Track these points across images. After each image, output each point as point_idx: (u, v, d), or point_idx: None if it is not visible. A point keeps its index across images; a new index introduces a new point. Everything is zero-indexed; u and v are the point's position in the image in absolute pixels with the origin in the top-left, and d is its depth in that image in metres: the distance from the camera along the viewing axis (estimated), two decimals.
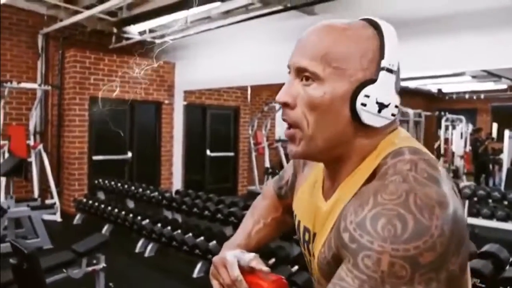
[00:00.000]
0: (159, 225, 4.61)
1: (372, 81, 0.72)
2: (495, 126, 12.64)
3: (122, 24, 6.53)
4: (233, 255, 0.89)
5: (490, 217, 5.69)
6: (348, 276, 0.61)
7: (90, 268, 3.21)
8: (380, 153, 0.73)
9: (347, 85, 0.72)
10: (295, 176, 1.01)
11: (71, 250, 3.17)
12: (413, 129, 10.11)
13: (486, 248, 2.73)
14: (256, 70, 5.90)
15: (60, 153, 6.98)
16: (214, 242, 4.00)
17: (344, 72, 0.72)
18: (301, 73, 0.74)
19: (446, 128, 10.77)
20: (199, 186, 7.83)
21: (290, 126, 0.76)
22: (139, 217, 4.90)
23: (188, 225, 4.50)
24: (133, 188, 5.92)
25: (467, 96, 13.04)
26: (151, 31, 6.89)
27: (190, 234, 4.24)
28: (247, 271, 0.87)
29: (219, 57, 6.70)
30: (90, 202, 5.83)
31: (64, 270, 3.10)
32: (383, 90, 0.72)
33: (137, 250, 4.84)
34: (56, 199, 6.39)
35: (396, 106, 0.74)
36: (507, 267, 2.63)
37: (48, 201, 6.24)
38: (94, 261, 3.24)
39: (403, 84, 10.07)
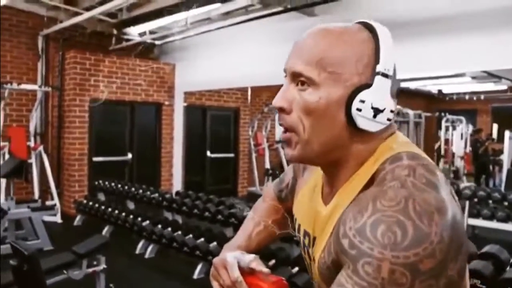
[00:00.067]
0: (159, 226, 4.61)
1: (368, 85, 0.72)
2: (495, 127, 12.66)
3: (122, 26, 6.54)
4: (233, 256, 0.89)
5: (490, 218, 5.68)
6: (348, 282, 0.61)
7: (90, 270, 3.21)
8: (378, 159, 0.73)
9: (342, 90, 0.72)
10: (295, 180, 1.01)
11: (72, 251, 3.17)
12: (413, 130, 10.11)
13: (486, 249, 2.73)
14: (256, 71, 5.90)
15: (61, 154, 6.98)
16: (215, 243, 4.00)
17: (340, 77, 0.72)
18: (297, 78, 0.75)
19: (447, 129, 10.78)
20: (199, 187, 7.83)
21: (286, 130, 0.77)
22: (139, 218, 4.89)
23: (189, 226, 4.50)
24: (133, 189, 5.92)
25: (467, 97, 13.05)
26: (151, 32, 6.90)
27: (191, 236, 4.24)
28: (247, 272, 0.87)
29: (219, 58, 6.71)
30: (91, 203, 5.83)
31: (65, 272, 3.10)
32: (378, 95, 0.72)
33: (137, 252, 4.84)
34: (56, 201, 6.39)
35: (392, 111, 0.74)
36: (508, 268, 2.63)
37: (48, 203, 6.24)
38: (95, 263, 3.24)
39: (404, 85, 10.06)
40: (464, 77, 9.71)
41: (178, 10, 5.39)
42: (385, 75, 0.73)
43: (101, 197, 6.39)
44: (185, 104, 8.03)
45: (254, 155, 9.34)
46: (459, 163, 10.28)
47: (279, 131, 9.93)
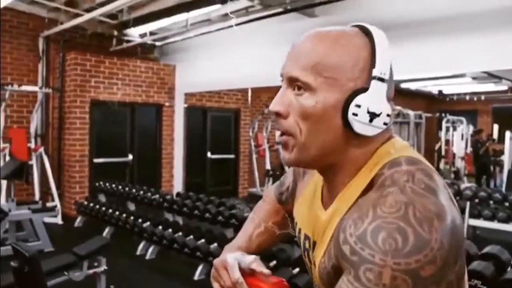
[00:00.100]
0: (160, 227, 4.61)
1: (364, 90, 0.72)
2: (496, 127, 12.66)
3: (123, 27, 6.55)
4: (234, 257, 0.89)
5: (491, 218, 5.68)
6: None
7: (91, 271, 3.21)
8: (376, 163, 0.74)
9: (338, 95, 0.72)
10: (295, 183, 1.02)
11: (72, 253, 3.17)
12: (413, 131, 10.11)
13: (487, 249, 2.72)
14: (257, 72, 5.91)
15: (61, 155, 6.99)
16: (215, 244, 4.00)
17: (336, 81, 0.72)
18: (293, 83, 0.75)
19: (447, 129, 10.79)
20: (200, 188, 7.83)
21: (283, 133, 0.77)
22: (140, 220, 4.89)
23: (189, 228, 4.50)
24: (134, 190, 5.92)
25: (467, 97, 13.03)
26: (151, 33, 6.91)
27: (191, 237, 4.23)
28: (248, 273, 0.87)
29: (220, 59, 6.71)
30: (91, 204, 5.83)
31: (65, 273, 3.10)
32: (375, 99, 0.72)
33: (138, 253, 4.84)
34: (57, 202, 6.39)
35: (388, 115, 0.74)
36: (509, 268, 2.63)
37: (49, 204, 6.26)
38: (95, 264, 3.24)
39: (404, 85, 10.03)
40: (465, 77, 9.71)
41: (178, 11, 5.40)
42: (381, 79, 0.73)
43: (102, 198, 6.39)
44: (186, 105, 8.04)
45: (254, 156, 9.34)
46: (459, 163, 10.28)
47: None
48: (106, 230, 5.46)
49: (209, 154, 8.71)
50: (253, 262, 0.88)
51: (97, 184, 6.49)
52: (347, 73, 0.72)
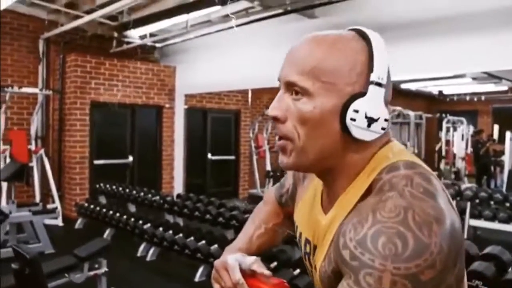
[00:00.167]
0: (160, 229, 4.61)
1: (361, 94, 0.72)
2: (496, 127, 12.65)
3: (123, 29, 6.56)
4: (235, 258, 0.89)
5: (492, 219, 5.68)
6: None
7: (92, 273, 3.20)
8: (374, 168, 0.74)
9: (336, 99, 0.72)
10: (295, 186, 1.02)
11: (73, 254, 3.17)
12: (414, 131, 10.11)
13: (488, 250, 2.72)
14: (257, 74, 5.91)
15: (62, 157, 6.99)
16: (216, 245, 3.99)
17: (333, 86, 0.72)
18: (291, 87, 0.75)
19: (447, 130, 10.78)
20: (200, 189, 7.82)
21: (281, 138, 0.77)
22: (140, 221, 4.89)
23: (190, 229, 4.50)
24: (134, 192, 5.92)
25: (468, 97, 13.03)
26: (151, 35, 6.91)
27: (192, 238, 4.23)
28: (248, 274, 0.87)
29: (220, 61, 6.72)
30: (92, 206, 5.83)
31: (66, 275, 3.10)
32: (372, 104, 0.72)
33: (138, 254, 4.84)
34: (57, 204, 6.39)
35: (386, 120, 0.74)
36: (510, 269, 2.63)
37: (49, 206, 6.25)
38: (96, 266, 3.24)
39: (404, 86, 10.02)
40: (465, 78, 9.71)
41: (178, 12, 5.40)
42: (378, 84, 0.72)
43: (102, 200, 6.39)
44: (186, 107, 8.04)
45: (255, 157, 9.34)
46: (460, 164, 10.27)
47: None
48: (107, 231, 5.46)
49: (209, 156, 8.71)
50: (253, 263, 0.88)
51: (97, 185, 6.49)
52: (345, 78, 0.72)
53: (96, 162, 6.98)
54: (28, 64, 6.98)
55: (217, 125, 8.81)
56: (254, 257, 0.89)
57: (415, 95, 13.13)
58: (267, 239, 1.07)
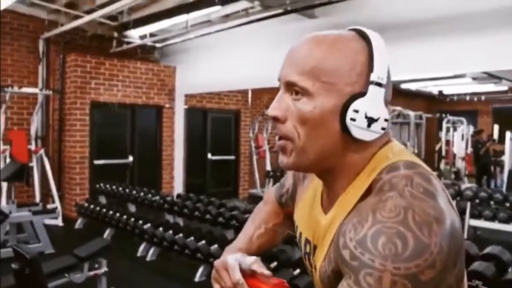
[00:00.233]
0: (160, 229, 4.61)
1: (361, 94, 0.72)
2: (496, 127, 12.65)
3: (123, 29, 6.56)
4: (235, 258, 0.89)
5: (492, 219, 5.68)
6: None
7: (92, 273, 3.20)
8: (374, 168, 0.74)
9: (336, 100, 0.72)
10: (295, 186, 1.02)
11: (73, 254, 3.17)
12: (414, 131, 10.11)
13: (488, 250, 2.72)
14: (257, 74, 5.91)
15: (62, 157, 6.99)
16: (216, 245, 4.00)
17: (333, 86, 0.72)
18: (291, 87, 0.75)
19: (447, 130, 10.78)
20: (200, 189, 7.82)
21: (281, 138, 0.77)
22: (140, 221, 4.89)
23: (190, 229, 4.50)
24: (134, 192, 5.92)
25: (468, 97, 13.03)
26: (151, 35, 6.91)
27: (192, 238, 4.23)
28: (248, 274, 0.87)
29: (220, 61, 6.72)
30: (92, 206, 5.83)
31: (66, 275, 3.10)
32: (372, 104, 0.72)
33: (138, 254, 4.84)
34: (57, 204, 6.39)
35: (386, 120, 0.74)
36: (510, 269, 2.63)
37: (49, 206, 6.25)
38: (96, 266, 3.24)
39: (404, 86, 10.00)
40: (465, 78, 9.71)
41: (178, 12, 5.40)
42: (379, 84, 0.73)
43: (102, 200, 6.39)
44: (186, 107, 8.04)
45: (255, 157, 9.34)
46: (460, 164, 10.27)
47: None
48: (107, 231, 5.46)
49: (209, 155, 8.71)
50: (253, 263, 0.88)
51: (97, 185, 6.49)
52: (345, 78, 0.72)
53: (96, 162, 6.98)
54: (28, 64, 6.98)
55: (217, 125, 8.81)
56: (254, 257, 0.89)
57: (415, 95, 13.13)
58: (267, 239, 1.07)
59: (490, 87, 11.02)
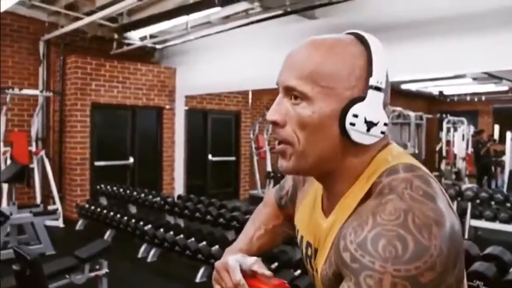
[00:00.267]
0: (161, 230, 4.61)
1: (361, 98, 0.72)
2: (496, 128, 12.64)
3: (123, 30, 6.56)
4: (235, 259, 0.89)
5: (493, 219, 5.67)
6: None
7: (92, 274, 3.21)
8: (374, 172, 0.74)
9: (335, 104, 0.72)
10: (295, 188, 1.02)
11: (74, 256, 3.17)
12: (414, 132, 10.11)
13: (489, 250, 2.72)
14: (257, 75, 5.91)
15: (62, 159, 6.99)
16: (217, 246, 4.00)
17: (332, 90, 0.72)
18: (290, 92, 0.75)
19: (448, 130, 10.77)
20: (201, 190, 7.83)
21: (281, 142, 0.77)
22: (141, 223, 4.89)
23: (191, 230, 4.50)
24: (135, 193, 5.92)
25: (468, 98, 13.03)
26: (151, 36, 6.92)
27: (193, 239, 4.23)
28: (249, 275, 0.87)
29: (220, 62, 6.72)
30: (92, 207, 5.83)
31: (67, 276, 3.10)
32: (372, 108, 0.72)
33: (139, 255, 4.84)
34: (58, 205, 6.39)
35: (385, 124, 0.74)
36: (511, 269, 2.62)
37: (50, 207, 6.26)
38: (97, 267, 3.24)
39: (405, 86, 10.00)
40: (465, 78, 9.71)
41: (178, 14, 5.41)
42: (378, 88, 0.73)
43: (103, 201, 6.40)
44: (186, 108, 8.05)
45: (255, 158, 9.34)
46: (460, 164, 10.26)
47: None
48: (108, 233, 5.46)
49: (210, 157, 8.72)
50: (254, 263, 0.88)
51: (98, 187, 6.49)
52: (344, 82, 0.73)
53: (97, 163, 6.99)
54: (28, 66, 6.99)
55: (218, 126, 8.81)
56: (254, 258, 0.89)
57: (415, 95, 13.13)
58: (267, 240, 1.07)
59: (491, 87, 11.02)
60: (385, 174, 0.72)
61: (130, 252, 4.87)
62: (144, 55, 7.73)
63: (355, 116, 0.72)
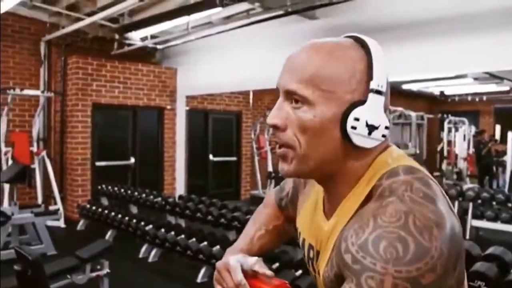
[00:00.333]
0: (162, 230, 4.61)
1: (361, 102, 0.72)
2: (498, 128, 12.61)
3: (124, 30, 6.57)
4: (236, 259, 0.89)
5: (494, 219, 5.67)
6: None
7: (94, 274, 3.21)
8: (374, 174, 0.74)
9: (336, 108, 0.73)
10: (295, 190, 1.02)
11: (75, 256, 3.18)
12: (415, 132, 10.10)
13: (490, 250, 2.71)
14: (258, 75, 5.91)
15: (63, 159, 7.00)
16: (218, 247, 4.00)
17: (333, 94, 0.73)
18: (290, 96, 0.75)
19: (449, 130, 10.76)
20: (202, 191, 7.83)
21: (282, 146, 0.77)
22: (142, 223, 4.90)
23: (192, 230, 4.50)
24: (136, 193, 5.92)
25: (469, 98, 13.02)
26: (152, 37, 6.92)
27: (194, 239, 4.24)
28: (250, 275, 0.87)
29: (221, 62, 6.72)
30: (94, 208, 5.84)
31: (68, 276, 3.11)
32: (373, 112, 0.73)
33: (140, 256, 4.84)
34: (59, 205, 6.40)
35: (386, 127, 0.74)
36: None
37: (51, 207, 6.27)
38: (98, 267, 3.25)
39: (406, 87, 10.00)
40: (466, 78, 9.71)
41: (179, 14, 5.41)
42: (378, 92, 0.73)
43: (104, 201, 6.40)
44: (187, 108, 8.05)
45: (256, 158, 9.34)
46: (462, 164, 10.25)
47: None
48: (109, 233, 5.47)
49: (211, 157, 8.72)
50: (255, 263, 0.88)
51: (99, 187, 6.50)
52: (344, 85, 0.73)
53: (98, 163, 6.99)
54: (29, 67, 7.00)
55: (219, 126, 8.82)
56: (255, 258, 0.89)
57: (416, 95, 13.12)
58: (268, 240, 1.07)
59: (492, 87, 11.01)
60: (386, 177, 0.72)
61: (131, 252, 4.88)
62: (145, 55, 7.74)
63: (357, 119, 0.72)
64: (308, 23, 5.37)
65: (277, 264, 3.42)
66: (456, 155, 10.37)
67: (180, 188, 7.93)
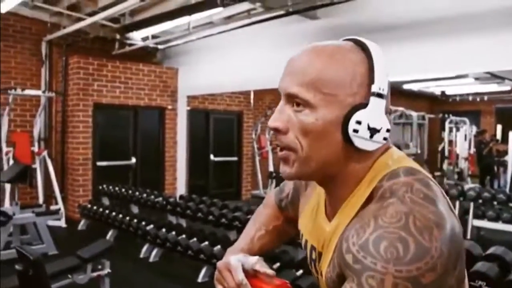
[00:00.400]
0: (163, 230, 4.61)
1: (363, 105, 0.73)
2: (499, 127, 12.59)
3: (125, 30, 6.57)
4: (237, 259, 0.90)
5: (495, 219, 5.67)
6: None
7: (95, 274, 3.22)
8: (375, 176, 0.75)
9: (338, 111, 0.73)
10: (296, 192, 1.02)
11: (76, 256, 3.18)
12: (416, 132, 10.10)
13: (491, 250, 2.71)
14: (259, 75, 5.92)
15: (65, 159, 7.01)
16: (219, 246, 4.00)
17: (335, 98, 0.73)
18: (292, 99, 0.75)
19: (450, 130, 10.75)
20: (203, 191, 7.83)
21: (283, 148, 0.77)
22: (143, 223, 4.90)
23: (193, 230, 4.51)
24: (137, 193, 5.93)
25: (470, 98, 13.02)
26: (153, 37, 6.93)
27: (195, 239, 4.24)
28: (251, 274, 0.87)
29: (222, 62, 6.72)
30: (95, 207, 5.84)
31: (69, 276, 3.11)
32: (374, 115, 0.73)
33: (141, 256, 4.85)
34: (60, 205, 6.41)
35: (388, 130, 0.74)
36: None
37: (52, 207, 6.27)
38: (99, 267, 3.25)
39: (407, 86, 10.00)
40: (467, 78, 9.70)
41: (180, 14, 5.41)
42: (380, 95, 0.73)
43: (105, 201, 6.41)
44: (188, 108, 8.05)
45: (257, 158, 9.34)
46: (463, 164, 10.25)
47: None
48: (110, 233, 5.47)
49: (212, 157, 8.72)
50: (256, 263, 0.88)
51: (100, 187, 6.50)
52: (346, 89, 0.73)
53: (99, 163, 7.00)
54: (31, 67, 7.00)
55: (220, 126, 8.82)
56: (256, 257, 0.90)
57: (417, 95, 13.11)
58: (268, 240, 1.07)
59: (493, 87, 11.00)
60: (386, 178, 0.73)
61: (132, 252, 4.88)
62: (146, 55, 7.74)
63: (358, 122, 0.72)
64: (309, 23, 5.37)
65: (278, 264, 3.43)
66: (457, 155, 10.37)
67: (181, 188, 7.93)
